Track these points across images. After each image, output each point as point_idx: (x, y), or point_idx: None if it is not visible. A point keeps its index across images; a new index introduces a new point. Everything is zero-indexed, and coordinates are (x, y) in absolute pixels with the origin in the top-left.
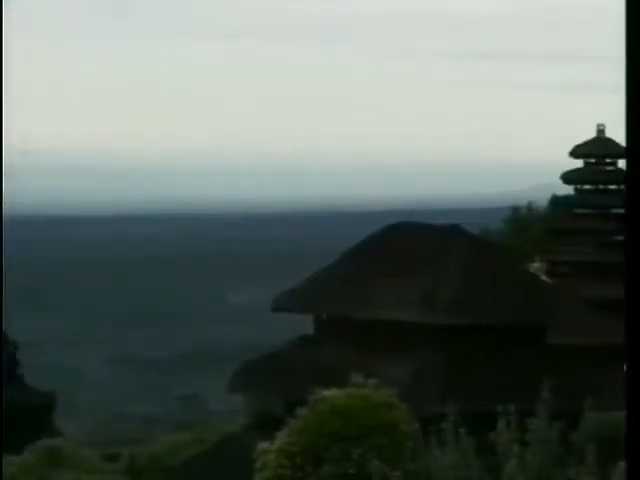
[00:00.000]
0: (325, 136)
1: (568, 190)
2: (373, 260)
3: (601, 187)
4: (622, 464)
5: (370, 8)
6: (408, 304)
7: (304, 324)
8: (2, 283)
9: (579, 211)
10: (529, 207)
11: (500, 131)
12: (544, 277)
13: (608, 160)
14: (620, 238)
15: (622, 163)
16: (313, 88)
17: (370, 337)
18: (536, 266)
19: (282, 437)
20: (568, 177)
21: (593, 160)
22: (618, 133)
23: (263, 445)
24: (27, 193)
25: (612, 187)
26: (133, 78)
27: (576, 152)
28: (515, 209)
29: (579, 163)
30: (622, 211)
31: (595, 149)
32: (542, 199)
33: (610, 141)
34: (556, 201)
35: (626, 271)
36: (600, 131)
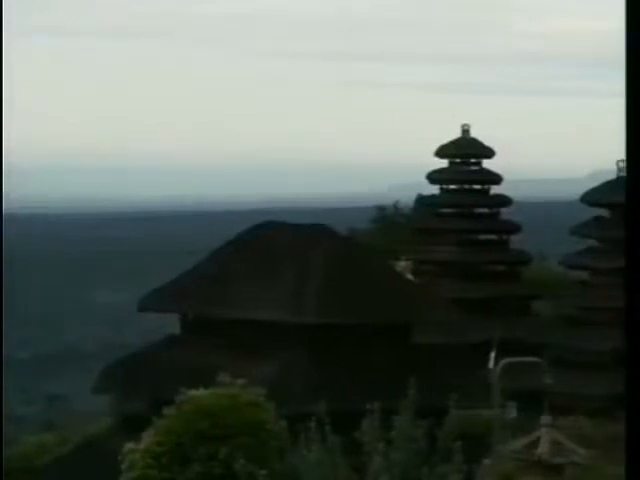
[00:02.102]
0: (194, 135)
1: (434, 190)
2: (239, 259)
3: (466, 187)
4: (487, 461)
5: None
6: (274, 304)
7: (174, 324)
8: (2, 283)
9: (444, 210)
10: (395, 206)
11: (367, 131)
12: (410, 276)
13: (473, 160)
14: (484, 237)
15: (486, 163)
16: (174, 86)
17: (236, 337)
18: (402, 265)
19: (148, 437)
20: (433, 177)
21: (458, 160)
22: (482, 133)
23: (129, 445)
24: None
25: (476, 187)
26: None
27: (441, 152)
28: (381, 209)
29: (445, 163)
30: (486, 210)
31: (460, 149)
32: (408, 198)
33: (475, 141)
34: (421, 200)
35: (626, 273)
36: (465, 131)
